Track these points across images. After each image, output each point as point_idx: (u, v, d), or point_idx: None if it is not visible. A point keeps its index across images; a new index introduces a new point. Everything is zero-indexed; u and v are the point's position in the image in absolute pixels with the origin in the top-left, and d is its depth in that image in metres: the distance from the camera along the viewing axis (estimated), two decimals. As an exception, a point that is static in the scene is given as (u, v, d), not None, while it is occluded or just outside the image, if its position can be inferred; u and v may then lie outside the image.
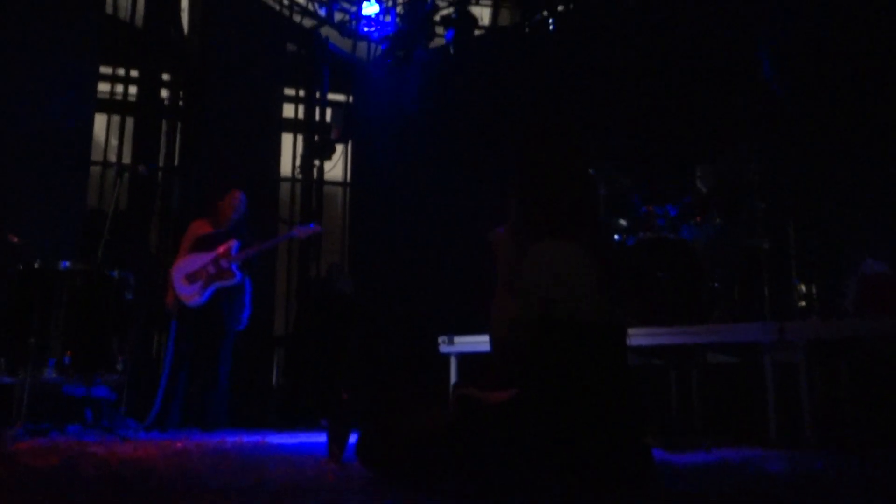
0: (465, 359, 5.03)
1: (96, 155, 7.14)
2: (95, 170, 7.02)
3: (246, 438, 4.56)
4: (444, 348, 5.10)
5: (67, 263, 4.28)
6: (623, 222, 5.49)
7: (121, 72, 7.67)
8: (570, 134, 2.11)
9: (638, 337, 4.38)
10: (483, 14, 8.88)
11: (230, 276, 5.24)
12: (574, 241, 2.03)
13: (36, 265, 4.21)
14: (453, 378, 5.05)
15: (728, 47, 5.89)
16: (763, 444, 3.79)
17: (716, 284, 4.74)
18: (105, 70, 7.40)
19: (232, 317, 5.38)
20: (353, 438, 2.78)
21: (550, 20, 7.18)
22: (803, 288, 4.82)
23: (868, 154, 5.48)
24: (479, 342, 4.95)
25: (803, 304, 4.79)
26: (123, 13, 7.50)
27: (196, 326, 5.30)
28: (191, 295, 5.22)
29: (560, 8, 7.80)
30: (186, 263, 5.33)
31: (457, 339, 5.06)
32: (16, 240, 4.67)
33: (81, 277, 4.25)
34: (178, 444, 3.94)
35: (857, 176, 5.53)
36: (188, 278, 5.26)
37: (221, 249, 5.28)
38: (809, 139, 5.65)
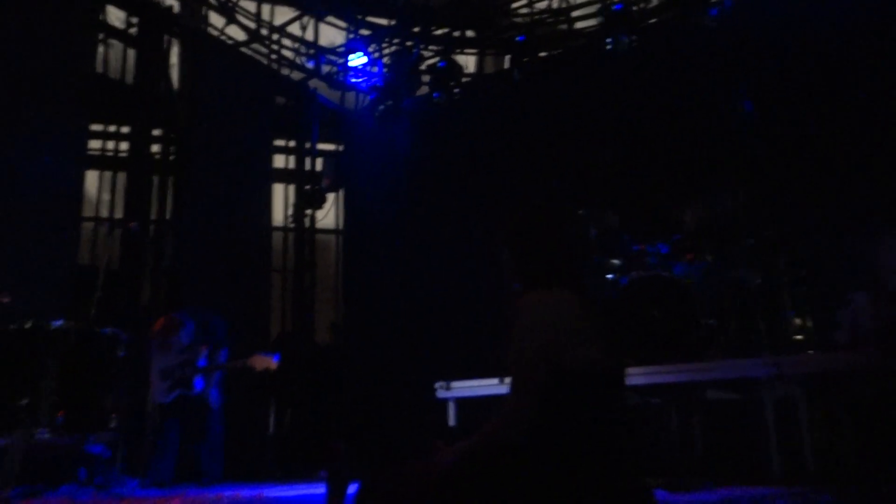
0: (463, 403, 4.99)
1: (88, 211, 7.15)
2: (87, 226, 7.02)
3: (243, 493, 4.48)
4: (441, 394, 5.06)
5: (60, 322, 4.25)
6: (616, 262, 5.51)
7: (112, 128, 7.73)
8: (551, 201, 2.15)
9: (636, 376, 4.36)
10: (468, 62, 9.05)
11: (191, 387, 5.22)
12: (565, 289, 2.04)
13: (28, 325, 4.17)
14: (452, 423, 5.01)
15: (712, 90, 6.01)
16: (766, 481, 3.75)
17: (711, 321, 4.74)
18: (96, 127, 7.47)
19: (211, 398, 5.37)
20: (353, 489, 2.74)
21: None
22: (798, 321, 4.83)
23: (851, 184, 5.56)
24: (476, 386, 4.92)
25: (799, 337, 4.80)
26: (113, 72, 7.59)
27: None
28: (159, 392, 5.25)
29: (543, 54, 7.97)
30: (166, 357, 5.31)
31: (454, 384, 5.03)
32: (6, 299, 4.63)
33: (73, 336, 4.21)
34: (175, 502, 3.86)
35: (842, 206, 5.60)
36: (162, 373, 5.26)
37: (187, 357, 5.28)
38: (793, 174, 5.73)
